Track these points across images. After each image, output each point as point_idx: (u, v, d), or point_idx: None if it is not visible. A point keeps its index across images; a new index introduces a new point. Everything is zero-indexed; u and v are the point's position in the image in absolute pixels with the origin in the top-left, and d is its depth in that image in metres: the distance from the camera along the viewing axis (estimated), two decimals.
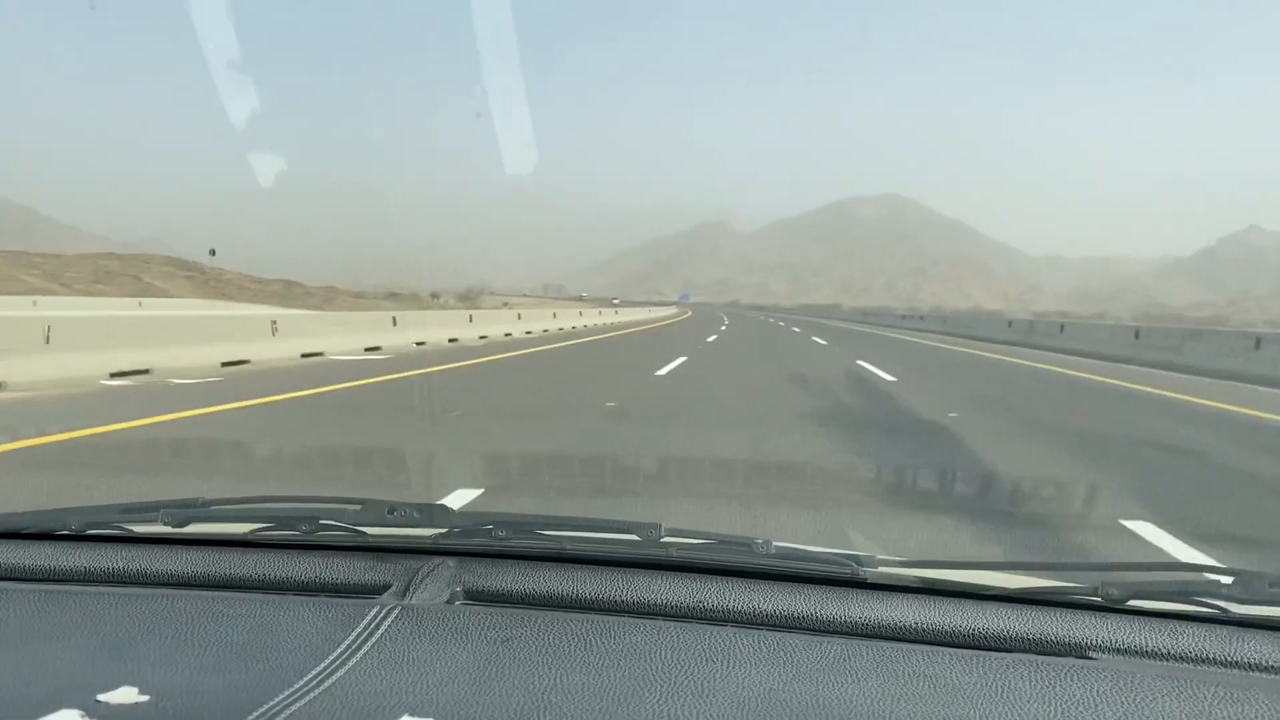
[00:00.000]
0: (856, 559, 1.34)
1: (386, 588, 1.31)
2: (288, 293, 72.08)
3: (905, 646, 1.17)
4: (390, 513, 1.46)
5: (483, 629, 1.17)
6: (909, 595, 1.29)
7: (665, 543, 1.39)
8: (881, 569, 1.33)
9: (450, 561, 1.37)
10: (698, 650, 1.13)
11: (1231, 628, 1.21)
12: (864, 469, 6.43)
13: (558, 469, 5.97)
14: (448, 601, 1.29)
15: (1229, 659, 1.16)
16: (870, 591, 1.30)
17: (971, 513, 5.20)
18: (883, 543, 4.18)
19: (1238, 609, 1.22)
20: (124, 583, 1.38)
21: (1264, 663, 1.15)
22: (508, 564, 1.37)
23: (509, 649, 1.12)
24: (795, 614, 1.25)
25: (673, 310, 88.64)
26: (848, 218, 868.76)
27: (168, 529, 1.48)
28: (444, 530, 1.44)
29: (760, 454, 6.79)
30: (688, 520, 4.49)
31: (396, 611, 1.20)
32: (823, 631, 1.22)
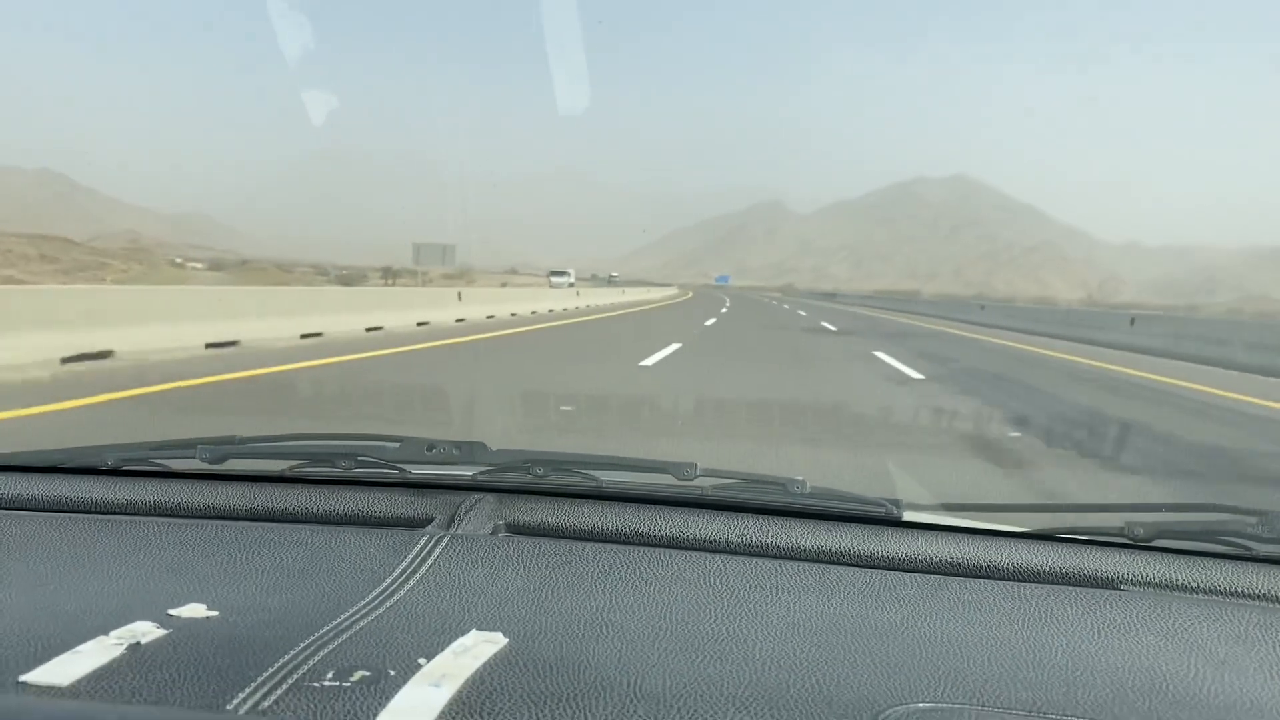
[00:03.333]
0: (893, 501, 1.36)
1: (430, 520, 1.33)
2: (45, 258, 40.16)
3: (946, 578, 1.20)
4: (429, 450, 1.47)
5: (531, 557, 1.20)
6: (944, 533, 1.32)
7: (700, 481, 1.41)
8: (915, 512, 1.36)
9: (490, 497, 1.39)
10: (745, 578, 1.16)
11: (1258, 564, 1.24)
12: (900, 413, 6.71)
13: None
14: (491, 534, 1.31)
15: (1258, 593, 1.19)
16: (906, 529, 1.32)
17: (1001, 455, 5.33)
18: (918, 482, 4.26)
19: (1263, 548, 1.25)
20: (168, 514, 1.39)
21: None
22: (546, 500, 1.39)
23: (559, 575, 1.15)
24: (834, 549, 1.27)
25: (666, 294, 67.89)
26: (912, 200, 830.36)
27: (205, 465, 1.48)
28: (483, 467, 1.45)
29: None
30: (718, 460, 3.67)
31: (445, 540, 1.22)
32: (864, 565, 1.25)
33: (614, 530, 1.32)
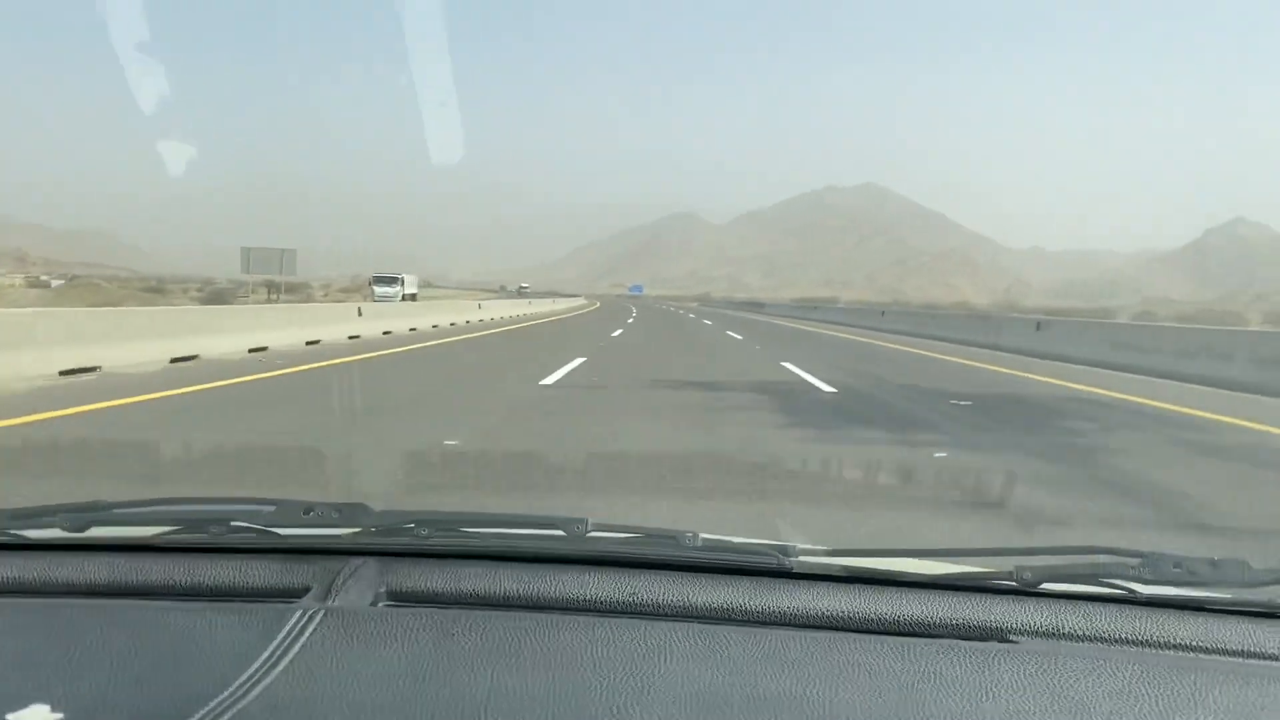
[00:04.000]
0: (782, 549, 1.34)
1: (306, 590, 1.27)
2: None
3: (836, 635, 1.20)
4: (306, 513, 1.41)
5: (411, 631, 1.15)
6: (834, 584, 1.31)
7: (592, 538, 1.38)
8: (806, 558, 1.34)
9: (372, 562, 1.33)
10: (633, 647, 1.13)
11: (1140, 608, 1.26)
12: (791, 461, 6.37)
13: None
14: (372, 603, 1.25)
15: (1141, 638, 1.21)
16: (797, 581, 1.31)
17: (891, 500, 5.29)
18: (808, 531, 4.26)
19: (1144, 589, 1.27)
20: (22, 592, 1.30)
21: (1174, 641, 1.20)
22: (432, 563, 1.34)
23: (440, 650, 1.11)
24: (726, 606, 1.25)
25: (564, 306, 56.97)
26: (824, 208, 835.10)
27: (66, 534, 1.39)
28: (364, 529, 1.39)
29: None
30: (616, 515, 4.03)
31: (320, 615, 1.16)
32: (755, 623, 1.23)
33: (501, 594, 1.27)
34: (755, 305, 78.73)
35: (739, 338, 23.93)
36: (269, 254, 36.97)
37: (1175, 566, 1.26)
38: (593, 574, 1.29)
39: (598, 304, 76.87)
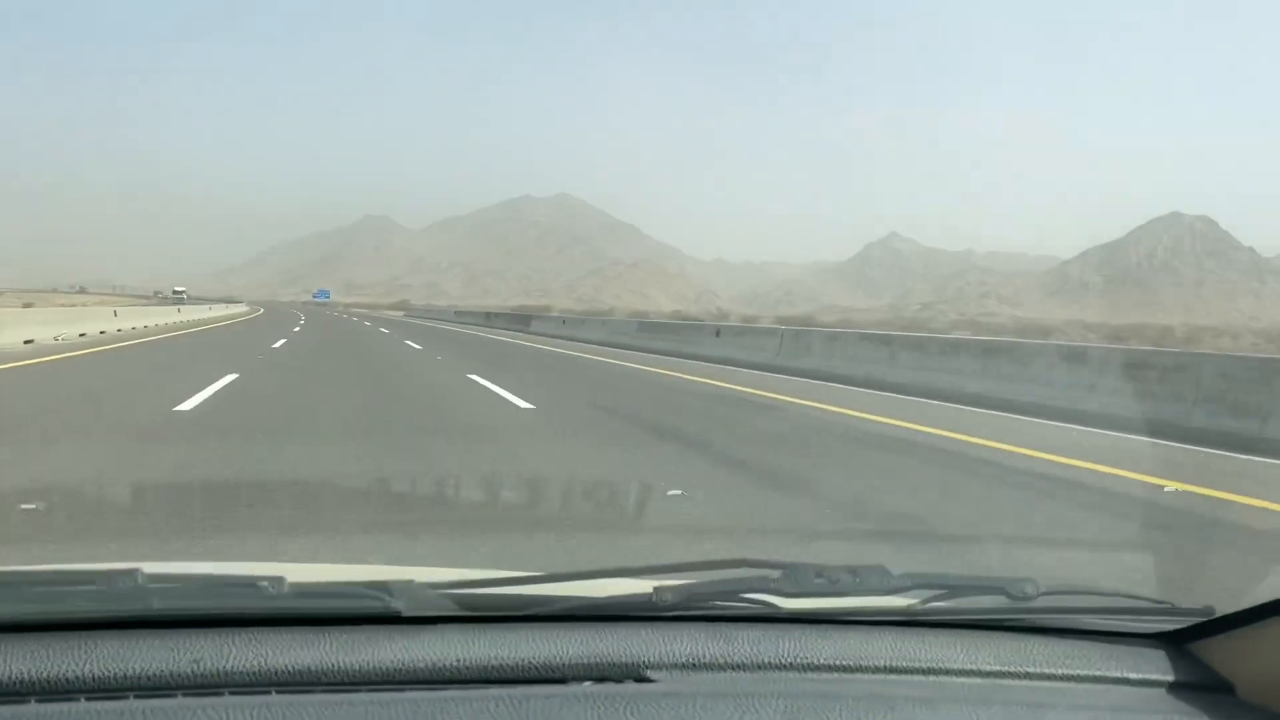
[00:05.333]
0: (387, 588, 1.13)
1: None
2: None
3: (443, 694, 1.02)
4: None
5: None
6: (451, 625, 1.13)
7: (148, 589, 1.08)
8: (421, 595, 1.15)
9: None
10: None
11: (782, 625, 1.19)
12: (399, 483, 5.69)
13: None
14: None
15: (785, 661, 1.13)
16: (407, 627, 1.12)
17: (526, 523, 5.00)
18: (439, 561, 3.72)
19: (786, 603, 1.19)
20: None
21: (819, 661, 1.13)
22: None
23: None
24: (314, 667, 1.03)
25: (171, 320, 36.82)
26: (521, 217, 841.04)
27: None
28: None
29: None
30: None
31: None
32: (345, 685, 1.03)
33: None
34: (519, 319, 45.55)
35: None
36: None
37: (817, 577, 1.17)
38: (137, 640, 1.01)
39: (261, 311, 66.45)
